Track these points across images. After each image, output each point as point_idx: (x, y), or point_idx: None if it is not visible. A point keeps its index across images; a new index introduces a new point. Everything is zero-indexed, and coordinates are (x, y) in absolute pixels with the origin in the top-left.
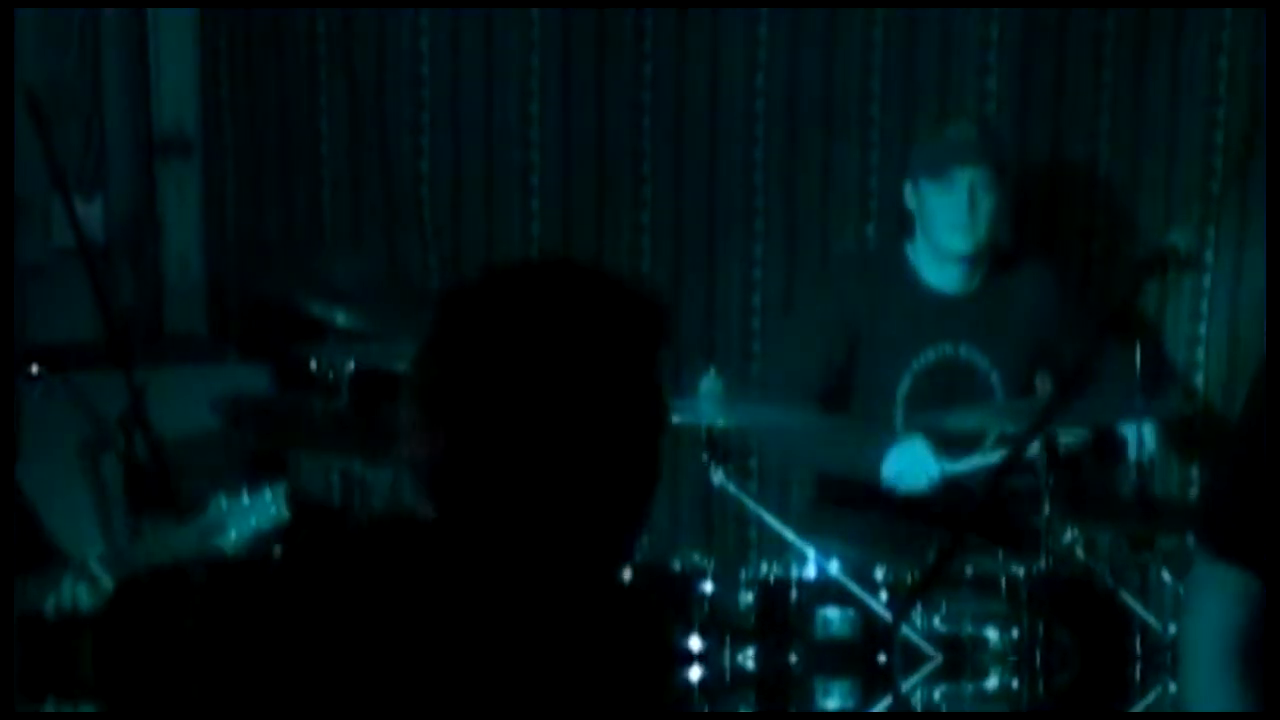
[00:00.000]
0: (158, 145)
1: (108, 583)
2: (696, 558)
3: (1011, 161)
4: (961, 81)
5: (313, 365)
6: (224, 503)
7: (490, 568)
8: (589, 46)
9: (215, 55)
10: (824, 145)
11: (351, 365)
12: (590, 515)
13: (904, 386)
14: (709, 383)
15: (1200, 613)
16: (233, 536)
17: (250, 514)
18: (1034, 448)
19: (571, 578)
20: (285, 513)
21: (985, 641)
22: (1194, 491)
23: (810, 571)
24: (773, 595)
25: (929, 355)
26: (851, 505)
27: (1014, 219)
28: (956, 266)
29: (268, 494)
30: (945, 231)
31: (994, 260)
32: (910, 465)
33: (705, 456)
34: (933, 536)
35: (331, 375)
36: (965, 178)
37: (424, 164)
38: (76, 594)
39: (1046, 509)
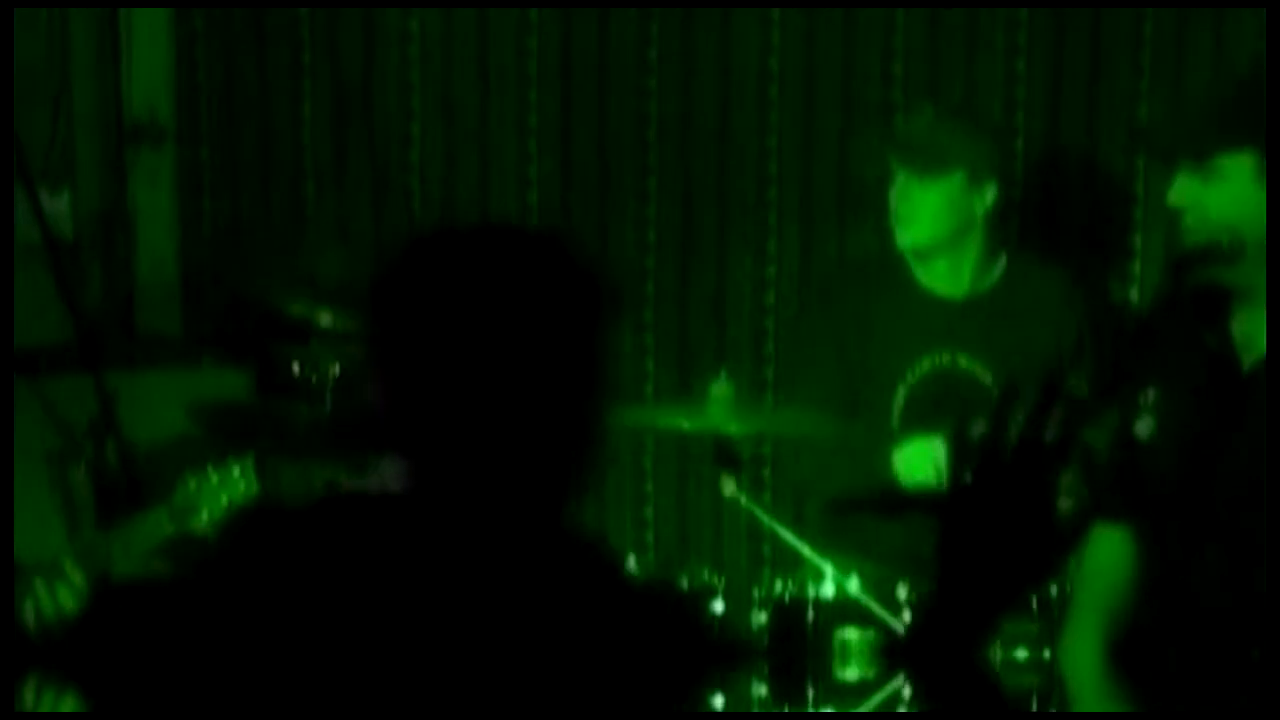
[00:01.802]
0: (129, 133)
1: (81, 580)
2: (706, 575)
3: (988, 157)
4: (989, 65)
5: (295, 369)
6: (193, 483)
7: (434, 519)
8: (590, 28)
9: (191, 37)
10: (842, 133)
11: (336, 369)
12: (527, 467)
13: (899, 401)
14: (719, 387)
15: (1092, 561)
16: (205, 516)
17: (220, 491)
18: None
19: (513, 529)
20: (255, 486)
21: (1015, 663)
22: None
23: (828, 590)
24: (788, 615)
25: (923, 366)
26: (872, 511)
27: (1019, 220)
28: (936, 266)
29: (235, 469)
30: (894, 225)
31: (988, 261)
32: (916, 459)
33: (722, 467)
34: None
35: (315, 379)
36: (900, 170)
37: (414, 154)
38: (57, 597)
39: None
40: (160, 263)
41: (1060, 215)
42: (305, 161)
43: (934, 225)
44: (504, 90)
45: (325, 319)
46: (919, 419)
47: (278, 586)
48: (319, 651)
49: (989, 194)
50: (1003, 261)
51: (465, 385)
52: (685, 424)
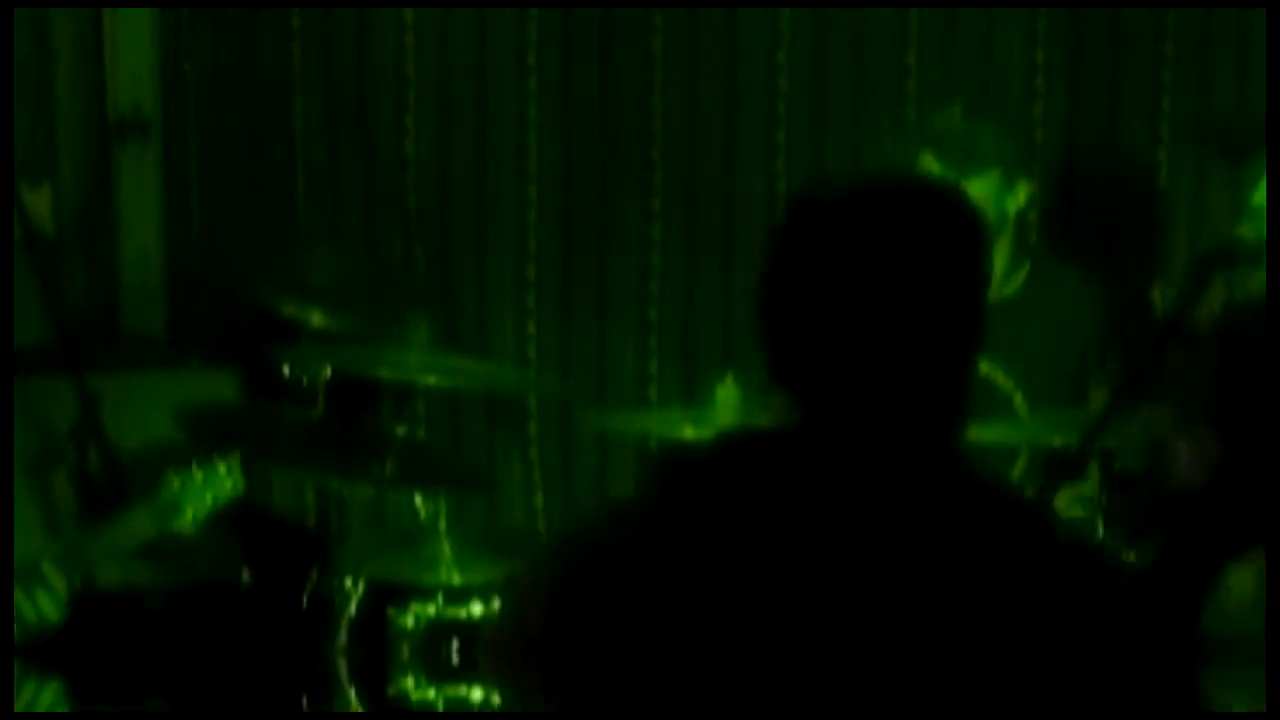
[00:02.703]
0: (113, 127)
1: (62, 585)
2: None
3: (1019, 155)
4: (1007, 58)
5: (285, 371)
6: (176, 482)
7: (848, 460)
8: (592, 18)
9: (177, 28)
10: (853, 127)
11: (328, 371)
12: (923, 409)
13: None
14: (726, 390)
15: None
16: (189, 516)
17: (205, 490)
18: None
19: (923, 468)
20: (241, 485)
21: None
22: None
23: None
24: None
25: None
26: None
27: (1043, 223)
28: None
29: (221, 468)
30: None
31: (1017, 263)
32: None
33: None
34: None
35: (306, 382)
36: (934, 168)
37: (408, 148)
38: (37, 603)
39: (1102, 532)
40: (145, 261)
41: (1081, 211)
42: (296, 156)
43: None
44: (502, 82)
45: (316, 319)
46: None
47: (715, 534)
48: (765, 594)
49: (1021, 193)
50: (1028, 264)
51: (866, 327)
52: (690, 428)
